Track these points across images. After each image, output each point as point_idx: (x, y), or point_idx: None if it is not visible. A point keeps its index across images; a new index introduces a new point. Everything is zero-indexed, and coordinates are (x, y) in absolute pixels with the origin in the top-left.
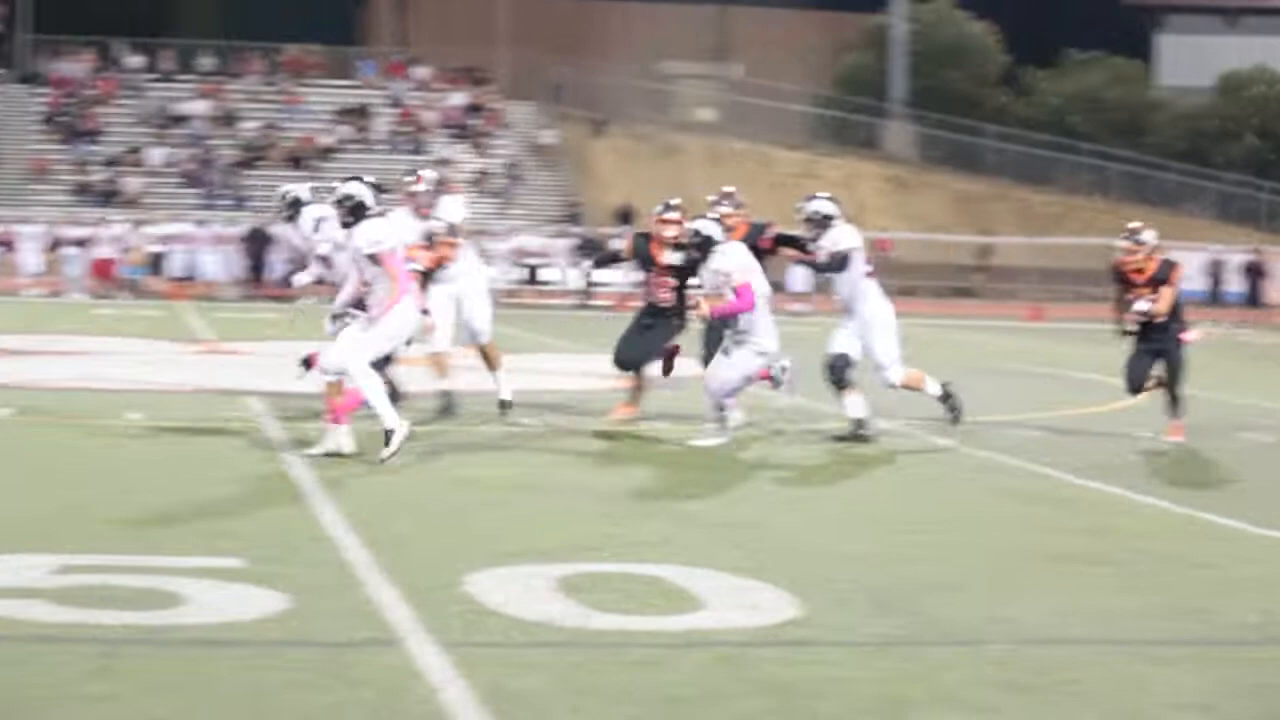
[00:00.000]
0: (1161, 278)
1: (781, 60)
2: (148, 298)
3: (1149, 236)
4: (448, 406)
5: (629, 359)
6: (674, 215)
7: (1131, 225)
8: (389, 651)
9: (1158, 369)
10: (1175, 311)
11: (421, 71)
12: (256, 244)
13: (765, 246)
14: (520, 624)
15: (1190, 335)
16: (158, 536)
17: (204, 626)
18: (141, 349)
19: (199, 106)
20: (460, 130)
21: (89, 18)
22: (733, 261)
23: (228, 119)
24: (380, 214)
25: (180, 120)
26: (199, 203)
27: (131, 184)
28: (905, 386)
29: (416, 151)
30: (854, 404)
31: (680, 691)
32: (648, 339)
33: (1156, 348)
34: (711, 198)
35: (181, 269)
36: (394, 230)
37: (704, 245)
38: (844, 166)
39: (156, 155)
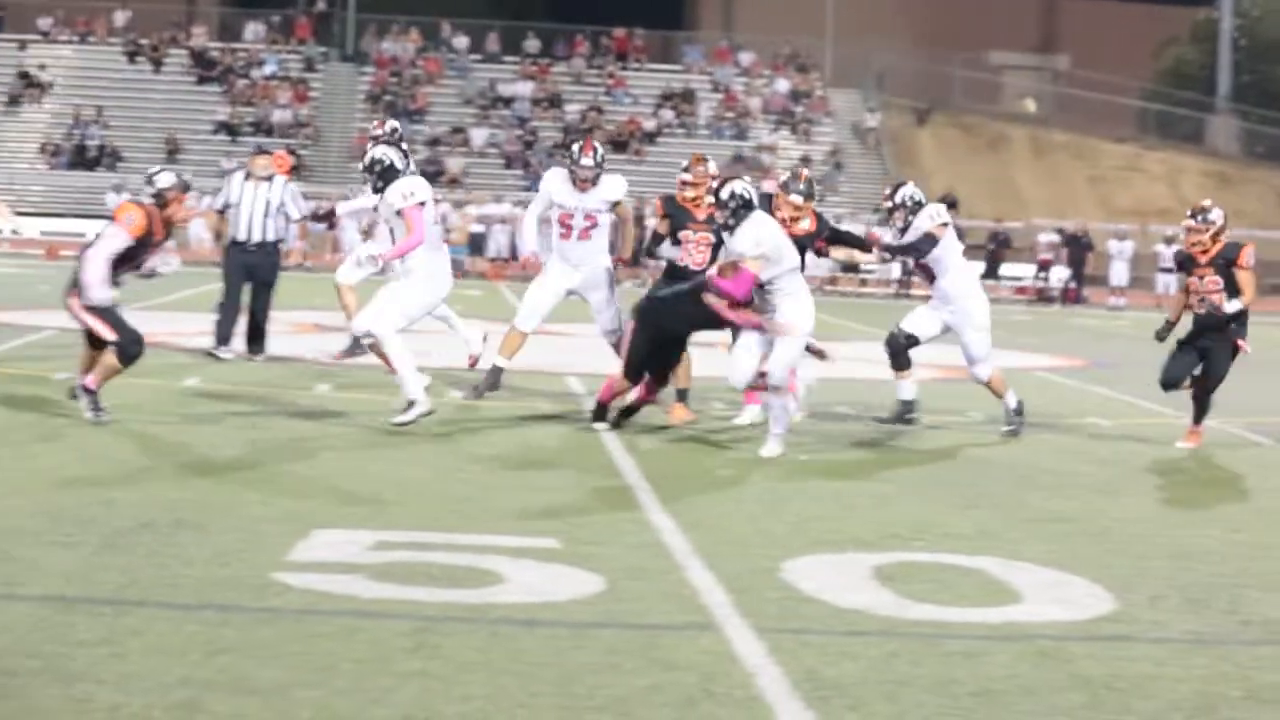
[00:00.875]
0: (1228, 259)
1: (1107, 52)
2: (468, 277)
3: (1216, 215)
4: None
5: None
6: (691, 176)
7: (1201, 204)
8: (705, 635)
9: (1198, 368)
10: (1240, 314)
11: (746, 57)
12: None
13: (820, 248)
14: (836, 612)
15: (1246, 345)
16: (476, 514)
17: (519, 606)
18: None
19: (523, 88)
20: (783, 117)
21: None
22: (750, 240)
23: (551, 101)
24: (411, 173)
25: (504, 101)
26: (520, 184)
27: (454, 164)
28: (989, 386)
29: (739, 137)
30: (905, 386)
31: (993, 685)
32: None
33: (1205, 345)
34: (782, 176)
35: (501, 250)
36: (425, 187)
37: (739, 211)
38: (1167, 161)
39: (479, 136)
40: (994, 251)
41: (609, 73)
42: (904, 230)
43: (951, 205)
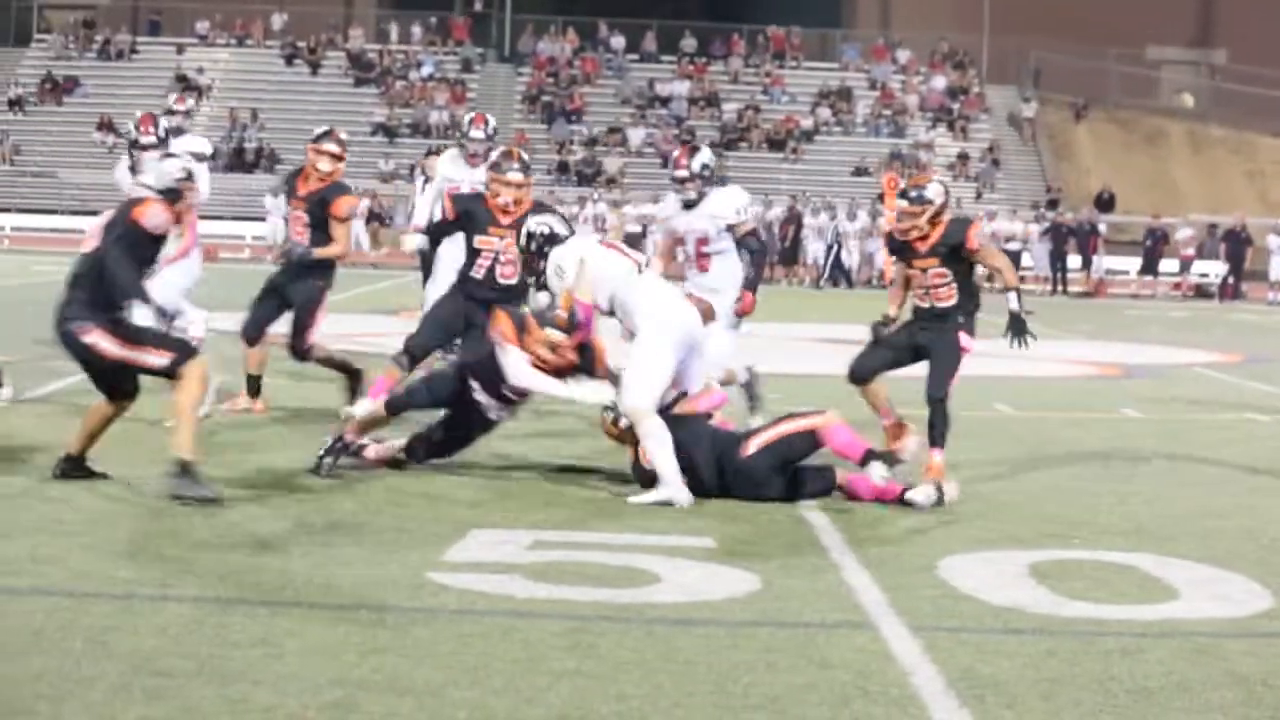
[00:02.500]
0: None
1: (1265, 46)
2: None
3: (934, 193)
4: None
5: None
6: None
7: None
8: (860, 634)
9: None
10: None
11: (903, 54)
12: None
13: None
14: (992, 610)
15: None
16: (630, 514)
17: (675, 605)
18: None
19: (680, 87)
20: (940, 114)
21: None
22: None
23: (708, 100)
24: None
25: (661, 101)
26: None
27: (611, 164)
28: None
29: (896, 135)
30: None
31: (1149, 682)
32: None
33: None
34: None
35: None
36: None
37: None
38: None
39: (636, 136)
40: (1151, 248)
41: (766, 71)
42: (695, 202)
43: (1109, 204)
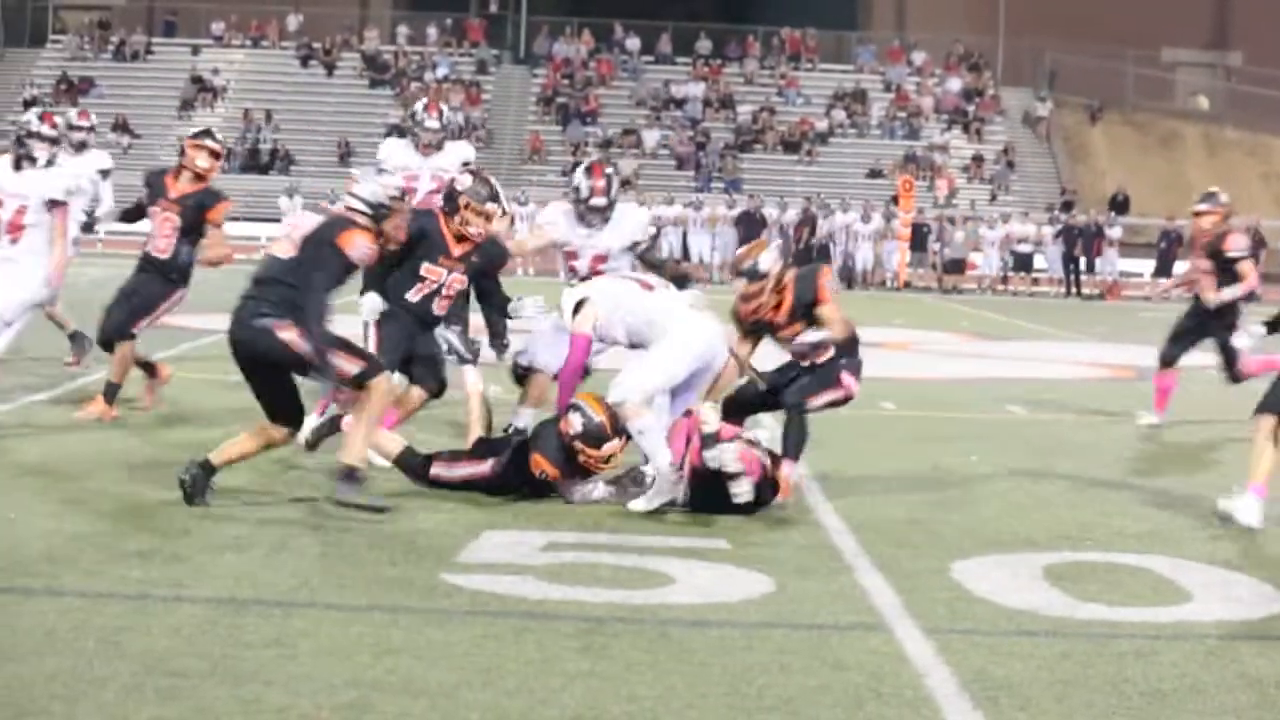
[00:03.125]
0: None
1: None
2: None
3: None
4: None
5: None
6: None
7: None
8: (874, 636)
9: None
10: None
11: (918, 56)
12: (749, 226)
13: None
14: (1006, 612)
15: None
16: (641, 516)
17: (688, 606)
18: None
19: (695, 89)
20: (955, 116)
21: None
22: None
23: (723, 102)
24: None
25: (676, 103)
26: (693, 185)
27: (626, 165)
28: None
29: (911, 137)
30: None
31: (1163, 684)
32: None
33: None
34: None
35: (674, 250)
36: None
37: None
38: None
39: (651, 137)
40: (1166, 250)
41: (781, 73)
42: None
43: (1124, 206)
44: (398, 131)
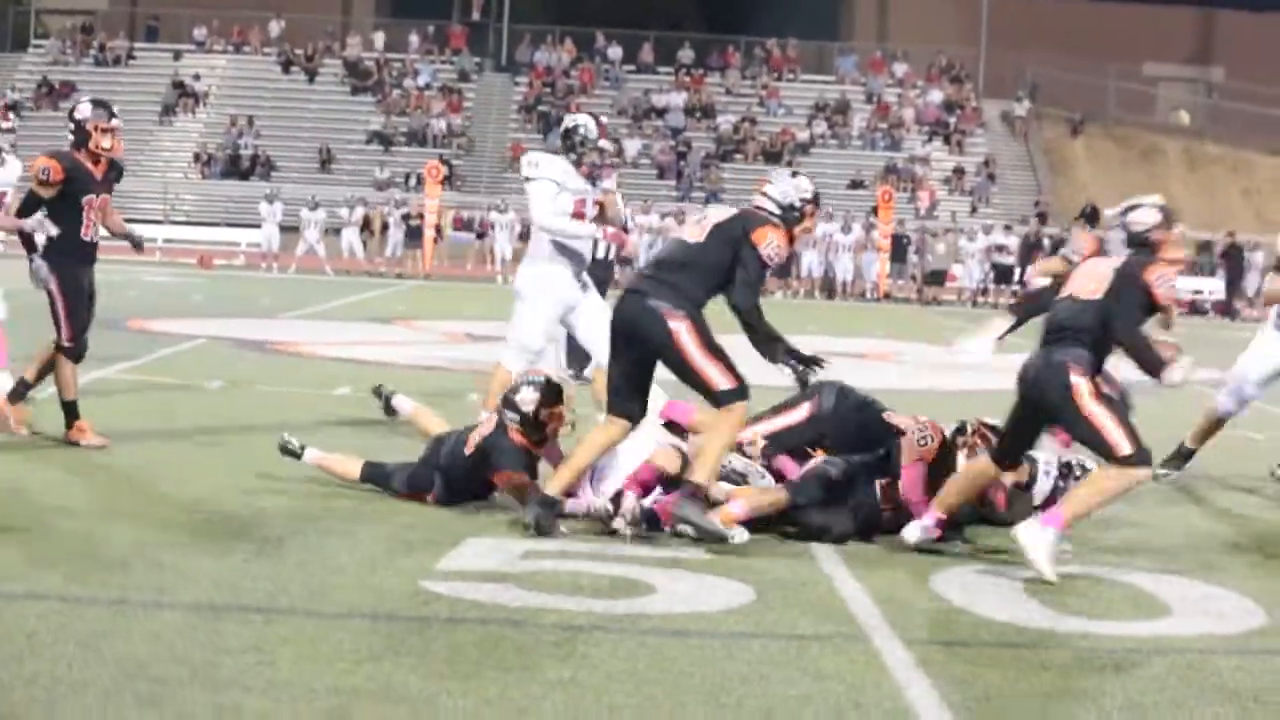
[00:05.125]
0: None
1: (1262, 64)
2: (617, 287)
3: None
4: None
5: None
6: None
7: None
8: (854, 646)
9: None
10: None
11: (900, 68)
12: None
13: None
14: (987, 624)
15: None
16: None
17: (668, 616)
18: None
19: (676, 99)
20: (936, 128)
21: (567, 8)
22: None
23: (704, 112)
24: None
25: (657, 112)
26: (674, 194)
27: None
28: None
29: (892, 148)
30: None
31: (1143, 698)
32: None
33: None
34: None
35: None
36: None
37: None
38: None
39: (632, 146)
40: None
41: (763, 84)
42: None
43: (1093, 217)
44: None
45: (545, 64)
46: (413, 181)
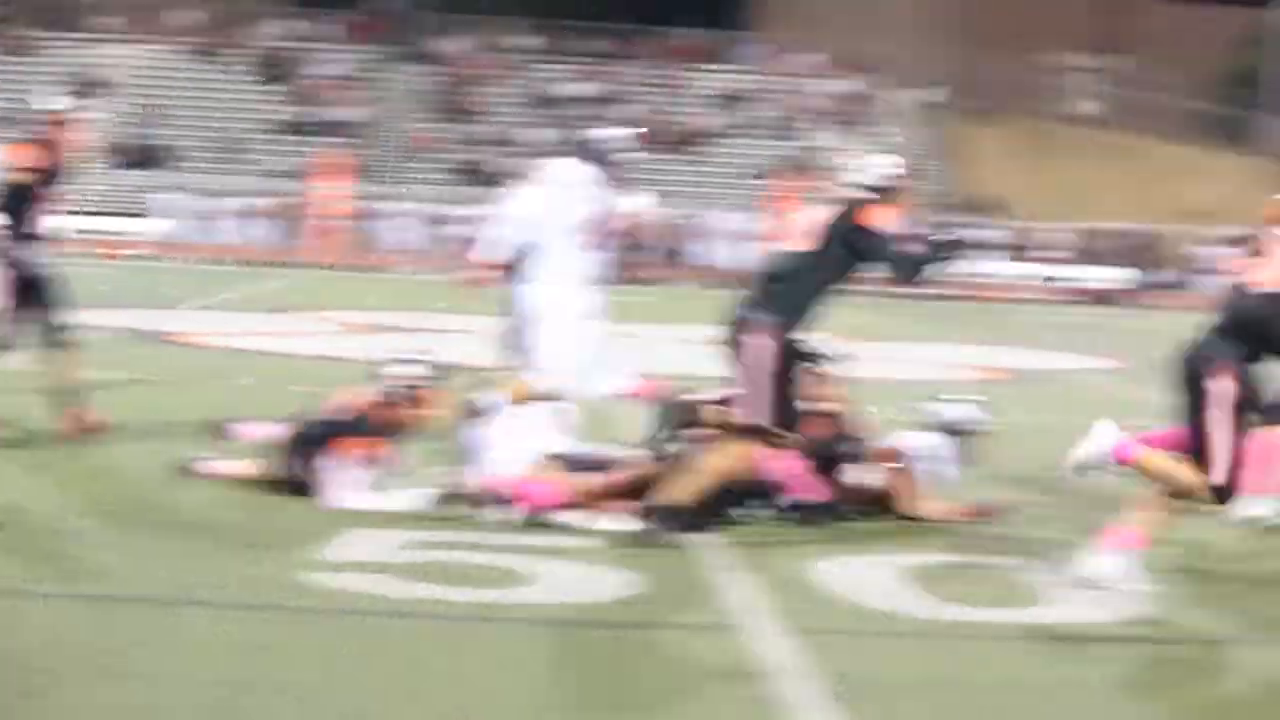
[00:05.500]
0: None
1: (1170, 54)
2: None
3: None
4: None
5: None
6: None
7: None
8: (734, 636)
9: None
10: None
11: (807, 58)
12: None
13: None
14: (867, 612)
15: None
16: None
17: (548, 606)
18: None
19: (583, 88)
20: (843, 118)
21: None
22: None
23: (611, 101)
24: None
25: (564, 102)
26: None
27: (513, 165)
28: None
29: (799, 139)
30: None
31: (1020, 683)
32: None
33: None
34: None
35: None
36: None
37: None
38: (1226, 163)
39: (537, 136)
40: (1026, 252)
41: (669, 74)
42: None
43: (999, 208)
44: (581, 154)
45: (453, 53)
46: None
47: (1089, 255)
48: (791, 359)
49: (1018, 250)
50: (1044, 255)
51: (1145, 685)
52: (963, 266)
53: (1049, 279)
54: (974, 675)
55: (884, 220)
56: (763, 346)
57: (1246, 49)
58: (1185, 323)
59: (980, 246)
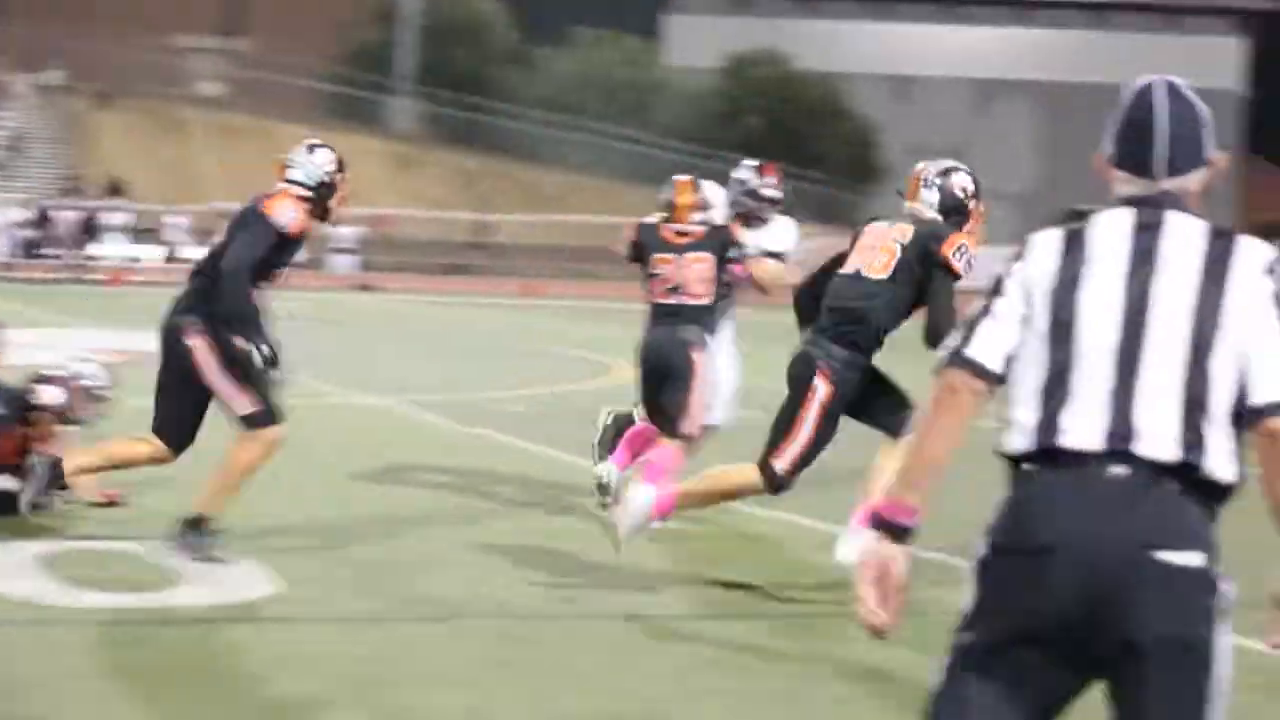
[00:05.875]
0: None
1: (292, 35)
2: None
3: None
4: None
5: None
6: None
7: None
8: None
9: None
10: None
11: None
12: None
13: None
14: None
15: None
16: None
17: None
18: None
19: None
20: None
21: None
22: None
23: None
24: None
25: None
26: None
27: None
28: None
29: None
30: None
31: (158, 669)
32: None
33: None
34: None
35: None
36: None
37: None
38: (348, 142)
39: None
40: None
41: None
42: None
43: (116, 191)
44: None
45: None
46: None
47: (208, 236)
48: None
49: (141, 233)
50: (165, 238)
51: (293, 664)
52: (88, 249)
53: (171, 259)
54: (112, 661)
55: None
56: None
57: (367, 27)
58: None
59: (104, 229)
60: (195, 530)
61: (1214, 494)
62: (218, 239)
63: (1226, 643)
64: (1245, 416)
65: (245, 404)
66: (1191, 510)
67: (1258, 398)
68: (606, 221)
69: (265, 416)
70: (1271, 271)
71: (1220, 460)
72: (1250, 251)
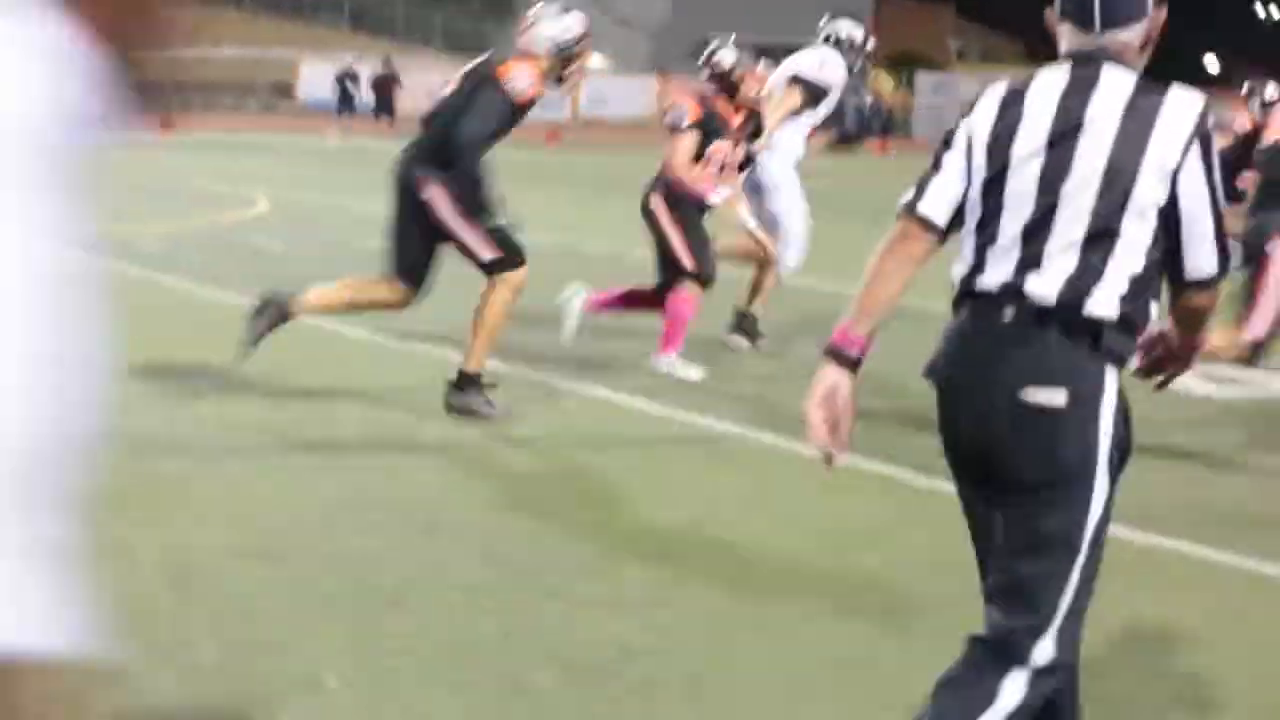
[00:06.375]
0: None
1: None
2: None
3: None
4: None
5: None
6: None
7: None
8: None
9: None
10: None
11: None
12: None
13: None
14: None
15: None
16: None
17: None
18: None
19: None
20: None
21: None
22: None
23: None
24: None
25: None
26: None
27: None
28: None
29: None
30: None
31: None
32: None
33: None
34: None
35: None
36: None
37: None
38: None
39: None
40: None
41: None
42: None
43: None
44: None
45: None
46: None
47: None
48: None
49: None
50: None
51: None
52: None
53: None
54: None
55: None
56: None
57: None
58: None
59: None
60: (464, 389)
61: (1101, 334)
62: (450, 88)
63: (1100, 484)
64: (1170, 283)
65: (487, 251)
66: (1070, 351)
67: (1180, 271)
68: (239, 54)
69: (509, 261)
70: (1198, 129)
71: (1105, 299)
72: (1179, 106)
